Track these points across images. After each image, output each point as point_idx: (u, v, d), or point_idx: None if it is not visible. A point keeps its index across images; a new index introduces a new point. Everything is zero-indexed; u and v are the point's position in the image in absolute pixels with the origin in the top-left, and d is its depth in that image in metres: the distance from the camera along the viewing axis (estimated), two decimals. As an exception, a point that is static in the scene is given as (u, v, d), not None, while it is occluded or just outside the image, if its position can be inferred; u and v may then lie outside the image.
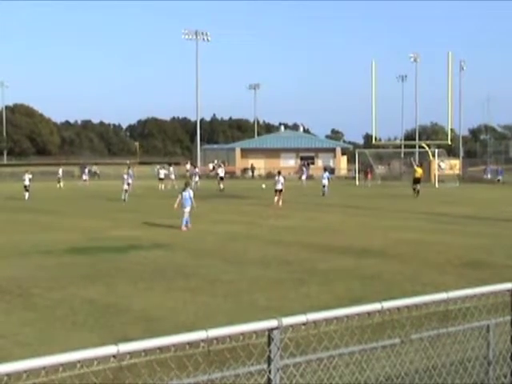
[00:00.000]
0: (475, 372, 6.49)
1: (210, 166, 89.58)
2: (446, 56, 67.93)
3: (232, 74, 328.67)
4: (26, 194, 47.74)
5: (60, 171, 69.22)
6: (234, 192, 53.86)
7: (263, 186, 57.61)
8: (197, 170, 70.25)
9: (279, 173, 43.23)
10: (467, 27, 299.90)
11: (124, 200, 44.79)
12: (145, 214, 34.71)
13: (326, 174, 53.64)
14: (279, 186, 41.09)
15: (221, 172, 60.55)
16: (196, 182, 58.50)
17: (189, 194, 28.64)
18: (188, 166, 78.73)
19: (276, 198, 40.59)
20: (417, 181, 50.75)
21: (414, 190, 50.10)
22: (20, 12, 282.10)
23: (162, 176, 62.87)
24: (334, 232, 26.51)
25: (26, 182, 48.47)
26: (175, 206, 28.94)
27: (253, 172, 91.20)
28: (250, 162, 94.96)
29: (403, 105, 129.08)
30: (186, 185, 29.91)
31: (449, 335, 6.61)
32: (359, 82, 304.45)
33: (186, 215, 28.05)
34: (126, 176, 51.36)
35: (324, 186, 51.86)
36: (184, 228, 27.63)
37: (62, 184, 64.37)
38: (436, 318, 7.22)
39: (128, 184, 51.09)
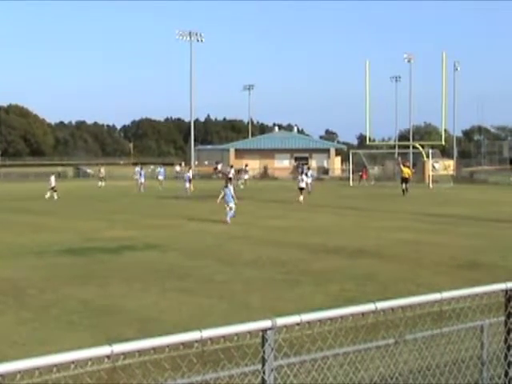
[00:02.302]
0: (469, 372, 6.50)
1: (219, 166, 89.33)
2: (440, 56, 68.10)
3: (226, 75, 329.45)
4: (48, 194, 48.33)
5: (102, 170, 70.09)
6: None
7: (241, 186, 58.62)
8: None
9: (302, 172, 48.80)
10: (461, 28, 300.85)
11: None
12: (140, 215, 34.68)
13: (310, 172, 58.31)
14: (302, 185, 44.91)
15: (230, 173, 60.74)
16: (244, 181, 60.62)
17: (230, 190, 31.26)
18: (178, 168, 78.92)
19: (301, 197, 43.54)
20: (404, 180, 52.01)
21: (403, 189, 51.15)
22: (14, 13, 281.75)
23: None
24: (329, 232, 26.50)
25: (52, 184, 49.10)
26: (218, 201, 31.77)
27: (265, 172, 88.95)
28: (244, 162, 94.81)
29: (397, 105, 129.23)
30: (227, 182, 32.95)
31: (443, 335, 6.62)
32: (353, 82, 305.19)
33: (229, 210, 30.50)
34: (139, 175, 60.08)
35: (308, 184, 54.91)
36: (228, 221, 29.93)
37: (103, 183, 66.04)
38: (430, 319, 7.23)
39: (141, 183, 58.94)
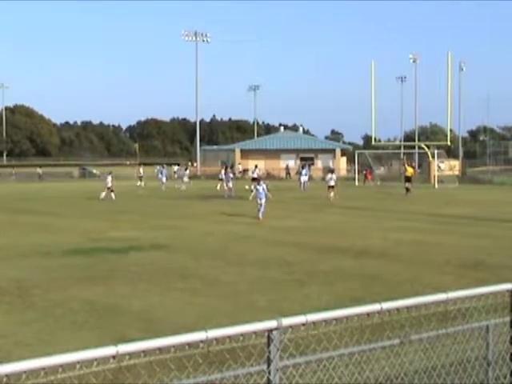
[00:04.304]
0: (474, 373, 6.49)
1: (240, 167, 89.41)
2: (446, 57, 68.03)
3: (232, 75, 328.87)
4: (103, 194, 47.94)
5: (141, 170, 71.82)
6: (235, 192, 53.82)
7: (246, 187, 58.68)
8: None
9: (331, 171, 51.05)
10: (467, 28, 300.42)
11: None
12: (145, 215, 34.70)
13: (305, 171, 61.28)
14: (331, 183, 47.24)
15: (254, 173, 61.09)
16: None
17: (263, 188, 33.27)
18: (176, 168, 79.20)
19: (329, 194, 45.87)
20: (407, 179, 52.79)
21: (406, 188, 51.86)
22: (20, 13, 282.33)
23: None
24: (334, 233, 26.50)
25: (109, 184, 48.86)
26: (250, 198, 35.26)
27: (288, 173, 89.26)
28: (250, 162, 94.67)
29: (403, 105, 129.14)
30: (259, 180, 36.47)
31: (448, 336, 6.61)
32: (359, 82, 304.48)
33: (262, 207, 32.32)
34: (160, 175, 62.98)
35: (302, 183, 58.87)
36: (261, 217, 31.68)
37: (143, 183, 66.19)
38: (435, 319, 7.22)
39: (162, 183, 61.59)
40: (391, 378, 6.34)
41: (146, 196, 52.24)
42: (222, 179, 62.28)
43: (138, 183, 65.97)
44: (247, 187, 58.78)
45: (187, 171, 67.20)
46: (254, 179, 59.22)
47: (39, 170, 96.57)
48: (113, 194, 47.75)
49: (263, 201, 32.58)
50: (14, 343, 10.71)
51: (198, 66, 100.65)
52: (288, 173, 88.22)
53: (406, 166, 57.55)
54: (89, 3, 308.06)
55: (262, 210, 32.16)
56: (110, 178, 49.30)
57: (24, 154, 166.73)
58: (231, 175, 54.36)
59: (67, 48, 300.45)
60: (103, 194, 47.82)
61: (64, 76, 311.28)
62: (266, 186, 34.14)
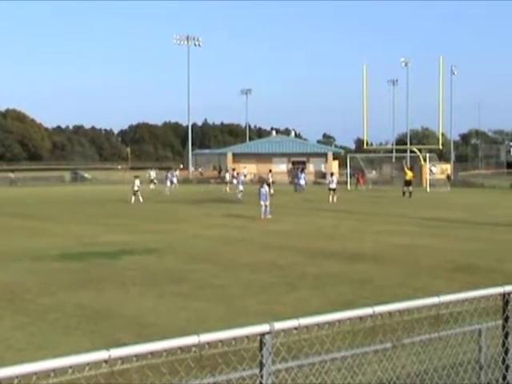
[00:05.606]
0: (467, 376, 6.50)
1: (245, 170, 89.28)
2: (437, 60, 68.21)
3: (224, 79, 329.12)
4: (133, 198, 49.06)
5: (153, 173, 73.34)
6: (228, 196, 53.83)
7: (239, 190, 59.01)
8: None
9: (332, 174, 53.27)
10: (458, 32, 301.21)
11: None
12: (139, 219, 34.64)
13: (303, 174, 64.55)
14: (333, 186, 48.51)
15: (269, 179, 61.29)
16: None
17: (265, 190, 35.21)
18: (153, 173, 79.29)
19: (330, 197, 47.31)
20: (407, 183, 52.95)
21: (404, 192, 52.06)
22: (12, 16, 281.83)
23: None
24: (326, 236, 26.50)
25: (136, 188, 50.07)
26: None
27: (291, 176, 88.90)
28: (242, 166, 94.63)
29: (394, 109, 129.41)
30: (263, 182, 38.15)
31: (440, 339, 6.61)
32: (350, 86, 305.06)
33: (263, 208, 34.37)
34: (169, 176, 65.49)
35: (301, 185, 61.59)
36: (263, 217, 33.87)
37: (155, 186, 68.16)
38: (427, 323, 7.23)
39: (172, 183, 64.91)
40: (384, 382, 6.33)
41: (144, 199, 52.15)
42: (228, 182, 62.80)
43: (151, 187, 66.50)
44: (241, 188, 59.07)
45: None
46: (268, 184, 59.46)
47: (11, 175, 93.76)
48: (140, 197, 48.88)
49: (267, 202, 34.48)
50: (5, 348, 10.67)
51: (190, 69, 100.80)
52: (291, 177, 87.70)
53: (406, 169, 57.69)
54: (81, 8, 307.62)
55: (267, 210, 34.31)
56: (137, 182, 50.65)
57: (16, 158, 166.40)
58: (242, 178, 54.58)
59: (59, 52, 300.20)
60: (133, 198, 48.94)
61: (55, 80, 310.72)
62: (269, 187, 36.13)
